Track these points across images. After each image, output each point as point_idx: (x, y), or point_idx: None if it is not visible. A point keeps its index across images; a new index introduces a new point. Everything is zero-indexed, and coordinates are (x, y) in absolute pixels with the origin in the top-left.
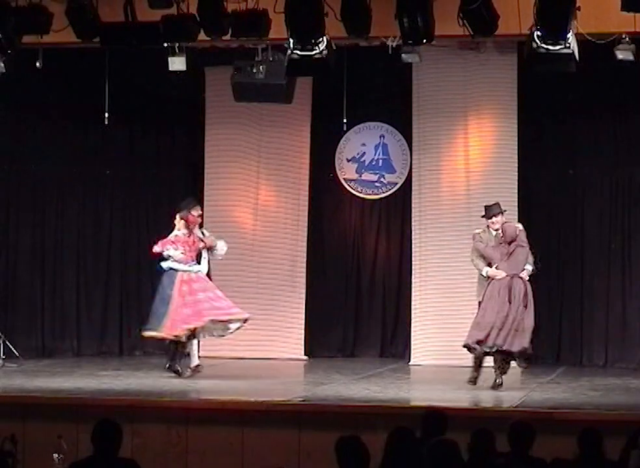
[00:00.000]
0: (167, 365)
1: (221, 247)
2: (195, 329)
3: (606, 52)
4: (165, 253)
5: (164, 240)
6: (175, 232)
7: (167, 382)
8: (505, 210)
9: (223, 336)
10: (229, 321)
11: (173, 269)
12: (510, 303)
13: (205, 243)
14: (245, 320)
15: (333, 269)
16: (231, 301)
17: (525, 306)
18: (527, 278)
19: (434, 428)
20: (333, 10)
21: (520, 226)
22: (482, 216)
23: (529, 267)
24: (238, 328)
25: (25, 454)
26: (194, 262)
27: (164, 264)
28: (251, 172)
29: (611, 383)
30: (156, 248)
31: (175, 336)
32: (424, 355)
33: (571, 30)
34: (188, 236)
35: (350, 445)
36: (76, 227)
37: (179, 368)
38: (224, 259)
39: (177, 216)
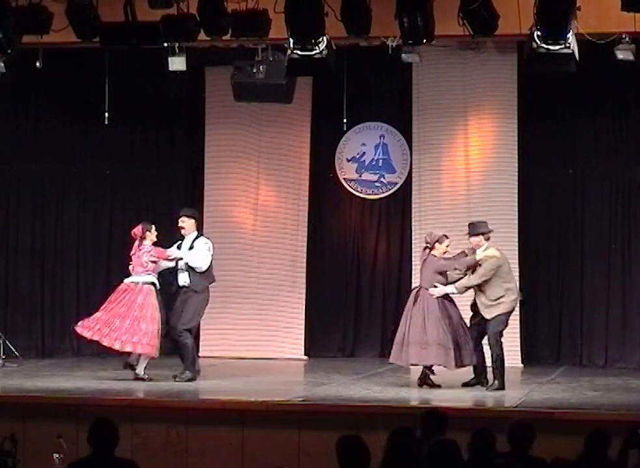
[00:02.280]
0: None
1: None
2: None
3: (606, 52)
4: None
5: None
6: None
7: (167, 382)
8: (489, 231)
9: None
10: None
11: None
12: (410, 317)
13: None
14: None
15: (333, 269)
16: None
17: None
18: (439, 296)
19: (434, 428)
20: (333, 10)
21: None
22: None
23: (449, 288)
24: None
25: (25, 454)
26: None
27: (152, 279)
28: (251, 172)
29: (611, 383)
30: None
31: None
32: None
33: (571, 30)
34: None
35: (352, 445)
36: (76, 227)
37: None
38: (225, 258)
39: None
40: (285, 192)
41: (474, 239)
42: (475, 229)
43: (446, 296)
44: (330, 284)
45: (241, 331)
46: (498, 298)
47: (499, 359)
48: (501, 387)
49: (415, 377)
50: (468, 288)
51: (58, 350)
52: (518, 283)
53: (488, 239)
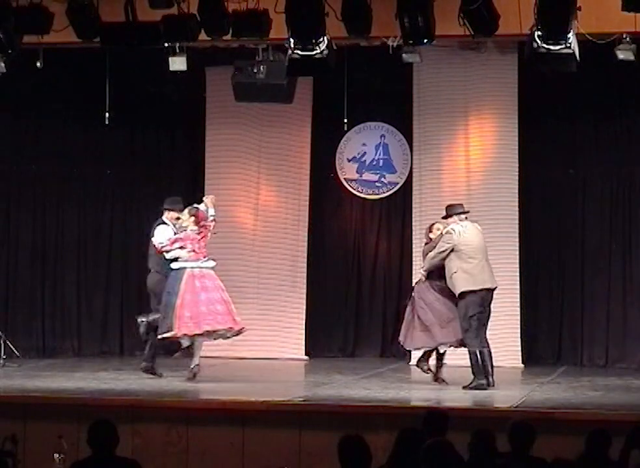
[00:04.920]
0: (145, 366)
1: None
2: (195, 335)
3: (607, 52)
4: (171, 255)
5: (174, 237)
6: (187, 230)
7: (168, 382)
8: (462, 212)
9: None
10: (226, 331)
11: (183, 267)
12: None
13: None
14: (240, 332)
15: (334, 269)
16: (230, 306)
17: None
18: (419, 279)
19: (435, 428)
20: (333, 9)
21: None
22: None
23: (421, 271)
24: (235, 335)
25: (26, 454)
26: (206, 258)
27: (174, 265)
28: (251, 172)
29: (611, 383)
30: (166, 246)
31: (185, 335)
32: None
33: (571, 30)
34: (199, 233)
35: (353, 445)
36: (76, 227)
37: (157, 371)
38: (225, 258)
39: (186, 213)
40: (286, 192)
41: (449, 220)
42: (447, 210)
43: (431, 279)
44: (330, 284)
45: None
46: (452, 274)
47: (473, 354)
48: (479, 386)
49: (415, 377)
50: (432, 266)
51: (58, 350)
52: (487, 276)
53: (463, 220)
